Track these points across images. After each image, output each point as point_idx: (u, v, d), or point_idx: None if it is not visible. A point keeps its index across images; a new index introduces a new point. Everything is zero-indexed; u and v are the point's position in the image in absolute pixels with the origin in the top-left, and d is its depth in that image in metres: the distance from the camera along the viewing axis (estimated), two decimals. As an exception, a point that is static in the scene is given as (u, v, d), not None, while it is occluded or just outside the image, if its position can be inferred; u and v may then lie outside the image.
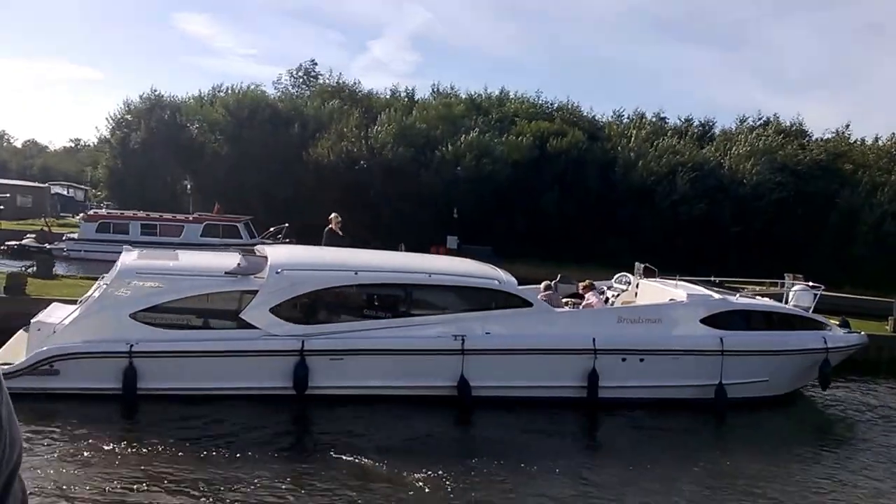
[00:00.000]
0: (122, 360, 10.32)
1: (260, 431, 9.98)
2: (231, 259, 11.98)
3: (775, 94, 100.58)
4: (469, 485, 8.51)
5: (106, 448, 8.84)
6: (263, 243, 33.66)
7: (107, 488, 7.71)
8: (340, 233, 15.23)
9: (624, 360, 12.07)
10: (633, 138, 50.68)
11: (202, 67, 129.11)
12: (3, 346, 11.20)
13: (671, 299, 13.07)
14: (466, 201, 41.26)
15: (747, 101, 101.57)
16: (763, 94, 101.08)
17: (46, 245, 29.64)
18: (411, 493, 8.20)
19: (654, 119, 57.60)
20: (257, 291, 11.08)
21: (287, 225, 35.12)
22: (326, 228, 15.44)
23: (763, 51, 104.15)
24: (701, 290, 13.71)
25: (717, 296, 13.34)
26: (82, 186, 67.01)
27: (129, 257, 11.72)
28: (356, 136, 42.39)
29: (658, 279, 14.63)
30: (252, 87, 51.46)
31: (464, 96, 52.68)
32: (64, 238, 31.66)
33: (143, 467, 8.35)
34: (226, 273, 11.18)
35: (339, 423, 10.60)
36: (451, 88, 55.64)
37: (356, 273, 11.67)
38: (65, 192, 65.31)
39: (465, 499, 8.16)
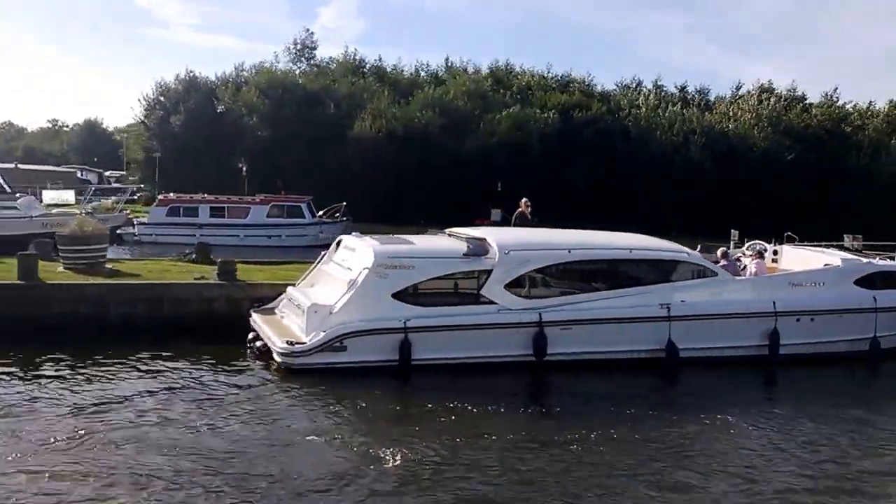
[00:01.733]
0: (398, 335, 11.58)
1: (507, 394, 11.21)
2: (449, 242, 13.26)
3: (734, 54, 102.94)
4: (680, 432, 9.82)
5: (390, 412, 10.20)
6: (323, 222, 35.01)
7: (395, 445, 8.80)
8: (530, 216, 16.42)
9: (798, 320, 13.58)
10: (644, 108, 52.38)
11: (147, 38, 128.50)
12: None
13: (826, 264, 14.59)
14: (506, 174, 42.44)
15: (708, 62, 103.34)
16: (725, 55, 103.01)
17: (131, 230, 30.32)
18: (638, 436, 9.50)
19: (653, 88, 59.51)
20: (491, 271, 12.36)
21: (344, 204, 36.19)
22: (517, 211, 16.66)
23: (720, 13, 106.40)
24: (845, 254, 15.26)
25: (864, 260, 14.90)
26: (95, 169, 67.08)
27: (361, 242, 12.88)
28: (392, 114, 43.28)
29: (796, 245, 16.19)
30: (272, 65, 52.20)
31: (485, 71, 53.59)
32: (136, 223, 32.36)
33: (419, 427, 9.57)
34: (463, 255, 12.42)
35: (574, 384, 11.95)
36: (462, 62, 56.28)
37: (569, 251, 13.03)
38: (80, 175, 65.45)
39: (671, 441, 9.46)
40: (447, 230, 14.92)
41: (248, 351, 12.85)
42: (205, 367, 11.95)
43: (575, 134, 47.67)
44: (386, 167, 41.18)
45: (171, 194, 33.63)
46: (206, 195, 34.34)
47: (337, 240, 14.19)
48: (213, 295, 14.31)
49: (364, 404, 10.48)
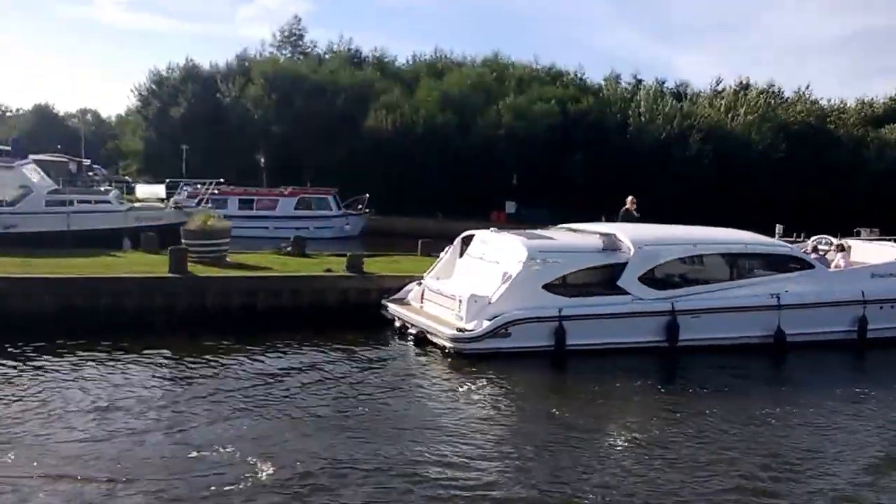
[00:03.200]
0: (554, 322, 12.73)
1: (646, 375, 12.44)
2: (583, 237, 14.45)
3: (658, 43, 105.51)
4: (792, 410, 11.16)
5: (547, 391, 11.42)
6: (349, 214, 35.85)
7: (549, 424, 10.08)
8: (636, 213, 17.60)
9: (881, 307, 15.09)
10: (640, 102, 54.09)
11: (70, 17, 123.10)
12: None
13: (897, 257, 16.16)
14: (515, 167, 43.64)
15: (631, 50, 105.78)
16: (650, 43, 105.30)
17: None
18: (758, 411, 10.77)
19: (632, 80, 61.48)
20: (626, 264, 13.58)
21: (367, 196, 37.11)
22: (623, 209, 17.81)
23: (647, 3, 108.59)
24: None
25: (928, 252, 16.54)
26: (75, 158, 66.27)
27: (506, 238, 13.99)
28: (406, 107, 44.11)
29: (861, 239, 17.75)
30: (271, 54, 52.40)
31: (478, 62, 54.48)
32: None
33: (579, 406, 10.74)
34: (602, 249, 13.62)
35: (703, 367, 13.24)
36: (451, 53, 57.12)
37: (694, 245, 14.36)
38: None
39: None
40: (566, 226, 16.02)
41: (396, 336, 13.92)
42: (366, 353, 12.93)
43: (572, 127, 49.13)
44: (399, 160, 42.04)
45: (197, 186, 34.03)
46: (234, 187, 34.92)
47: (464, 235, 15.22)
48: (347, 286, 15.24)
49: (539, 383, 11.71)
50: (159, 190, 24.10)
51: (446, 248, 15.54)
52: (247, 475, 7.36)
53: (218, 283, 14.30)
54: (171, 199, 22.17)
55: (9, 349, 11.52)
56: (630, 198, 18.20)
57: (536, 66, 57.58)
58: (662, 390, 11.71)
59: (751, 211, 41.12)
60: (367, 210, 36.92)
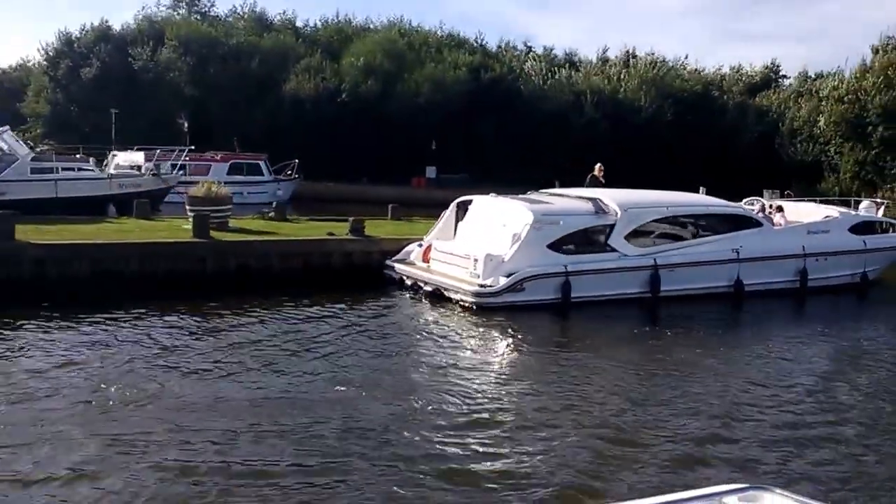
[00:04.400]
0: (561, 278, 14.18)
1: (634, 321, 14.13)
2: (574, 201, 15.91)
3: (526, 9, 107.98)
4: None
5: (556, 338, 12.96)
6: (280, 179, 36.09)
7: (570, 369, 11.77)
8: (602, 179, 19.06)
9: (817, 260, 17.37)
10: (534, 70, 56.34)
11: None
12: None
13: (826, 216, 18.51)
14: (429, 132, 44.67)
15: (499, 15, 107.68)
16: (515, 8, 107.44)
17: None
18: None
19: (523, 47, 63.83)
20: (614, 225, 15.17)
21: (297, 161, 37.39)
22: (590, 175, 19.19)
23: None
24: (835, 208, 19.30)
25: (852, 212, 18.98)
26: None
27: (509, 203, 15.29)
28: (324, 72, 44.28)
29: (791, 200, 20.08)
30: (181, 14, 50.99)
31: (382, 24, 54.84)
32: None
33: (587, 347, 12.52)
34: (594, 212, 15.14)
35: (682, 312, 15.05)
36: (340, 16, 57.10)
37: (667, 208, 16.10)
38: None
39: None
40: (549, 191, 17.42)
41: (408, 293, 15.05)
42: (384, 309, 14.03)
43: (482, 94, 50.62)
44: (321, 126, 42.30)
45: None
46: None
47: (459, 201, 16.39)
48: (352, 249, 16.16)
49: (552, 330, 13.29)
50: (138, 157, 23.87)
51: (443, 213, 16.64)
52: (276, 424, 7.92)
53: (239, 247, 14.94)
54: (144, 167, 22.11)
55: (53, 314, 11.85)
56: (598, 165, 19.74)
57: (441, 33, 58.68)
58: (647, 333, 13.46)
59: (648, 173, 43.85)
60: (297, 175, 37.20)
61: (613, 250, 15.12)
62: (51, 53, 46.56)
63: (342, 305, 13.81)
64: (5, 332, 10.95)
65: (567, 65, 60.35)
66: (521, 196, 16.26)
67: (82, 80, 44.84)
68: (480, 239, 15.02)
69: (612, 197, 15.78)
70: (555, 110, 51.33)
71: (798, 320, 16.05)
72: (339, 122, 42.73)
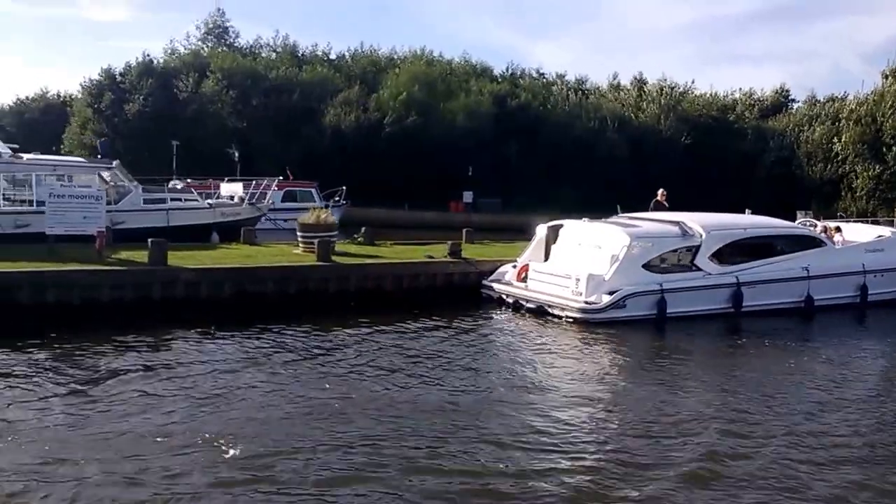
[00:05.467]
0: (657, 295, 15.25)
1: (724, 334, 15.25)
2: (659, 224, 16.99)
3: (514, 33, 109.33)
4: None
5: (660, 350, 13.92)
6: (329, 206, 37.21)
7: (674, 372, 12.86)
8: (666, 203, 20.16)
9: (875, 276, 18.45)
10: (559, 97, 57.76)
11: None
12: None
13: (879, 236, 19.62)
14: (466, 158, 45.94)
15: (490, 39, 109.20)
16: (506, 32, 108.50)
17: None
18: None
19: (535, 74, 65.37)
20: (699, 246, 16.28)
21: (344, 188, 38.56)
22: (654, 200, 20.28)
23: None
24: (887, 228, 20.43)
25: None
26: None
27: (602, 226, 16.41)
28: (364, 103, 45.61)
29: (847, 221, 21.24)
30: (198, 46, 52.42)
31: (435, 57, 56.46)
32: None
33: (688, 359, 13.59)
34: (682, 234, 16.25)
35: (763, 326, 16.10)
36: (365, 47, 58.64)
37: (745, 230, 17.23)
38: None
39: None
40: (624, 215, 18.51)
41: (510, 310, 16.10)
42: (490, 325, 15.12)
43: (509, 120, 51.98)
44: (361, 154, 43.52)
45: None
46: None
47: (549, 225, 17.49)
48: (454, 270, 17.25)
49: (653, 343, 14.32)
50: (238, 188, 25.05)
51: (534, 236, 17.73)
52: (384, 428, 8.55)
53: (357, 270, 16.01)
54: (237, 197, 23.23)
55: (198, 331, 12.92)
56: (661, 190, 20.85)
57: (462, 62, 60.23)
58: (739, 346, 14.51)
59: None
60: (345, 201, 38.32)
61: (699, 269, 16.21)
62: (94, 88, 47.81)
63: (452, 322, 14.80)
64: (174, 345, 12.03)
65: (579, 90, 62.05)
66: (611, 220, 17.36)
67: (126, 114, 46.08)
68: (578, 260, 16.09)
69: (696, 220, 16.89)
70: (579, 135, 52.69)
71: (864, 333, 17.04)
72: (378, 151, 43.97)
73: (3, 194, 18.45)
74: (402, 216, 40.51)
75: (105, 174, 19.41)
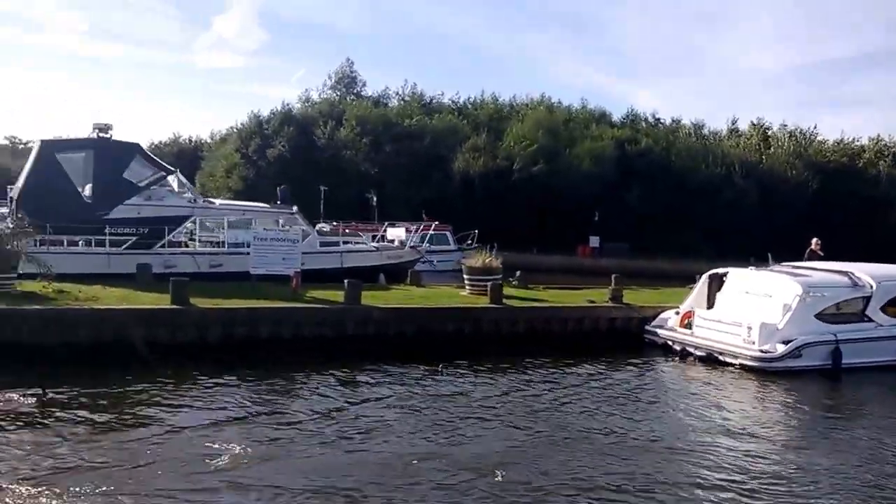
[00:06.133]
0: (832, 345, 15.14)
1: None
2: (828, 275, 16.87)
3: (615, 77, 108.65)
4: None
5: (832, 400, 13.78)
6: (462, 248, 38.13)
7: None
8: (821, 253, 19.97)
9: None
10: (680, 142, 57.31)
11: (25, 44, 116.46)
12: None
13: None
14: (592, 203, 46.28)
15: (590, 84, 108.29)
16: (605, 78, 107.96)
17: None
18: None
19: (649, 118, 64.95)
20: (870, 297, 16.06)
21: (476, 231, 39.46)
22: (808, 249, 20.10)
23: (601, 35, 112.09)
24: None
25: None
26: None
27: (771, 275, 16.42)
28: (492, 149, 46.76)
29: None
30: (354, 99, 55.08)
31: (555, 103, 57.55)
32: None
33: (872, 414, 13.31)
34: (852, 285, 16.09)
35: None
36: (486, 95, 60.04)
37: (915, 282, 16.90)
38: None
39: None
40: (787, 264, 18.43)
41: (676, 357, 16.26)
42: (658, 371, 15.29)
43: (631, 166, 52.05)
44: (489, 199, 44.50)
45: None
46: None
47: (711, 273, 17.61)
48: (616, 315, 17.59)
49: (832, 394, 14.18)
50: (401, 233, 26.45)
51: (696, 284, 17.89)
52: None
53: (527, 313, 16.60)
54: (397, 240, 24.48)
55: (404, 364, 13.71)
56: (815, 240, 20.58)
57: (586, 108, 60.88)
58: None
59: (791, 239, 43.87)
60: (478, 245, 39.17)
61: (871, 320, 16.00)
62: (243, 134, 50.98)
63: (621, 365, 15.16)
64: (383, 378, 12.86)
65: (698, 135, 61.50)
66: (777, 269, 17.36)
67: (269, 159, 48.76)
68: (747, 308, 16.13)
69: (865, 271, 16.70)
70: (703, 180, 52.12)
71: None
72: (505, 196, 44.81)
73: (199, 237, 20.03)
74: (530, 260, 40.92)
75: (284, 219, 20.82)
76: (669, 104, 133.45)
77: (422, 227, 27.95)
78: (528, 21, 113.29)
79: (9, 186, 24.93)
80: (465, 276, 18.52)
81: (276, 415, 10.45)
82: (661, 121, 64.81)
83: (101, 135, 19.09)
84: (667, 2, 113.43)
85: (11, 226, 15.69)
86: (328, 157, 48.88)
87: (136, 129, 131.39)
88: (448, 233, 38.17)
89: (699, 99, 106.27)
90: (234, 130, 51.28)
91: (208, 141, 70.14)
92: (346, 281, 15.28)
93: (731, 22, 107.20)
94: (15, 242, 14.29)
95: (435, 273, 32.00)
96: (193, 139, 73.01)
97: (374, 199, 41.23)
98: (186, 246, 20.44)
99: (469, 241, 39.80)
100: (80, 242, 19.08)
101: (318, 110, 52.65)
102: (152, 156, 20.86)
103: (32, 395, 10.37)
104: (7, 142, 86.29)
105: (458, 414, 10.94)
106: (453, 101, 57.58)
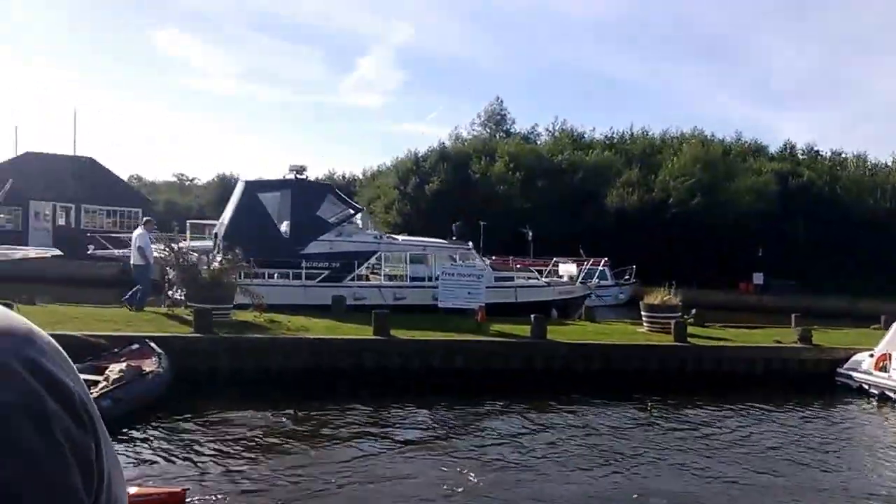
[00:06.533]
0: None
1: None
2: None
3: (760, 106, 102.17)
4: None
5: None
6: (620, 283, 37.77)
7: None
8: None
9: None
10: (844, 174, 54.40)
11: (183, 86, 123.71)
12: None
13: None
14: (752, 238, 44.71)
15: (737, 115, 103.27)
16: (750, 107, 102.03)
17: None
18: None
19: (806, 149, 61.64)
20: None
21: (634, 267, 39.02)
22: None
23: (746, 63, 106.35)
24: None
25: None
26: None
27: None
28: (646, 184, 46.28)
29: None
30: (503, 136, 56.11)
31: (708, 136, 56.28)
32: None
33: None
34: None
35: None
36: (634, 129, 59.17)
37: None
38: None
39: None
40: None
41: (872, 399, 15.54)
42: (856, 414, 14.65)
43: (792, 200, 49.86)
44: (644, 233, 43.88)
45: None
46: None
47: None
48: (805, 357, 17.02)
49: None
50: (573, 268, 26.99)
51: (893, 324, 17.06)
52: None
53: (713, 352, 16.38)
54: (565, 275, 24.86)
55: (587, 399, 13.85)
56: None
57: (741, 141, 59.03)
58: None
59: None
60: (635, 280, 38.79)
61: None
62: (401, 171, 52.97)
63: (816, 409, 14.69)
64: (582, 411, 13.08)
65: (862, 167, 58.13)
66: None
67: (426, 194, 50.27)
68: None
69: None
70: (873, 214, 49.24)
71: None
72: (661, 231, 44.05)
73: (384, 271, 21.08)
74: (692, 296, 39.97)
75: (461, 254, 21.56)
76: (823, 135, 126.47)
77: (591, 262, 28.04)
78: (670, 52, 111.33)
79: (188, 221, 27.20)
80: (643, 313, 18.51)
81: (510, 443, 10.98)
82: (821, 153, 61.80)
83: (297, 176, 20.56)
84: (816, 29, 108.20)
85: (220, 259, 17.15)
86: (482, 193, 49.83)
87: (282, 164, 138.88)
88: (605, 268, 37.96)
89: (856, 129, 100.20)
90: (389, 167, 53.35)
91: (360, 177, 73.14)
92: (532, 316, 15.69)
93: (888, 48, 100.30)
94: (233, 275, 15.62)
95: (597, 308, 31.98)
96: (346, 175, 76.30)
97: (530, 233, 41.65)
98: (368, 279, 21.53)
99: (626, 277, 39.46)
100: (275, 275, 20.52)
101: (471, 147, 53.97)
102: (342, 195, 22.16)
103: (285, 416, 11.37)
104: (175, 179, 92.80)
105: (657, 449, 11.03)
106: (607, 137, 57.43)
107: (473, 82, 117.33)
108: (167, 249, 15.76)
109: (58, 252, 24.65)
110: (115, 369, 10.86)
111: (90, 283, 30.10)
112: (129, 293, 16.27)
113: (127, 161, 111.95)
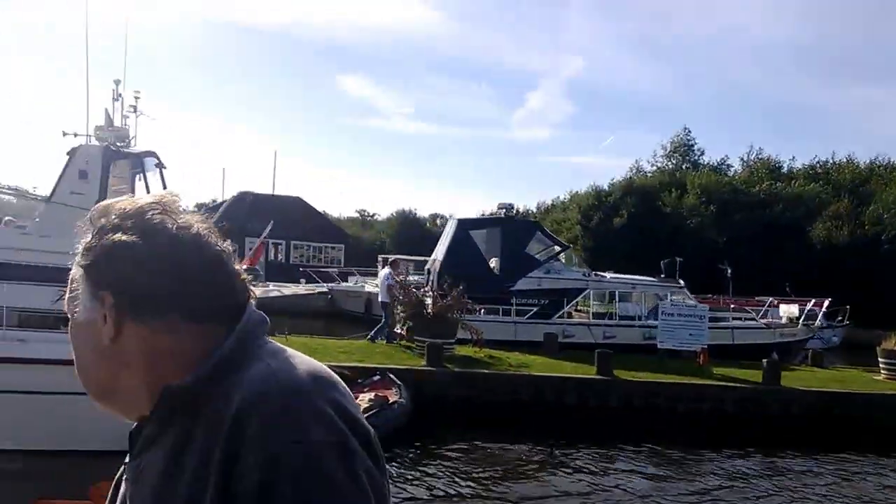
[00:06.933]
0: None
1: None
2: None
3: None
4: None
5: None
6: (834, 325, 35.00)
7: None
8: None
9: None
10: None
11: (362, 127, 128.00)
12: None
13: None
14: None
15: None
16: None
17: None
18: None
19: None
20: None
21: (848, 307, 36.15)
22: None
23: None
24: None
25: None
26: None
27: None
28: (854, 216, 43.10)
29: None
30: (689, 167, 54.30)
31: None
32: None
33: None
34: None
35: None
36: (838, 157, 54.78)
37: None
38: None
39: None
40: None
41: None
42: None
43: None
44: (856, 272, 40.72)
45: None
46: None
47: None
48: None
49: None
50: (794, 309, 25.82)
51: None
52: None
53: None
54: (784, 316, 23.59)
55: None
56: None
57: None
58: None
59: None
60: (848, 322, 35.95)
61: None
62: (584, 206, 52.55)
63: None
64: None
65: None
66: None
67: (613, 229, 49.40)
68: None
69: None
70: None
71: None
72: (875, 268, 40.69)
73: (591, 309, 20.93)
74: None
75: (672, 292, 21.00)
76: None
77: (813, 302, 26.36)
78: (861, 74, 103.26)
79: (380, 256, 28.12)
80: (881, 360, 17.11)
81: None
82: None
83: (506, 213, 20.94)
84: None
85: (435, 294, 17.65)
86: (672, 227, 48.38)
87: (460, 201, 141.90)
88: (817, 308, 35.44)
89: None
90: (563, 201, 52.83)
91: (533, 210, 73.08)
92: (764, 361, 14.95)
93: None
94: (457, 312, 16.07)
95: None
96: (521, 210, 76.45)
97: (729, 270, 39.67)
98: (571, 316, 21.41)
99: (839, 318, 36.55)
100: (481, 311, 20.87)
101: (657, 180, 52.63)
102: (549, 232, 22.31)
103: (542, 451, 11.62)
104: (357, 214, 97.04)
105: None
106: (809, 167, 54.09)
107: (647, 113, 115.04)
108: (399, 285, 16.53)
109: (324, 289, 26.33)
110: (364, 398, 11.45)
111: (301, 314, 32.06)
112: (375, 330, 17.15)
113: (314, 198, 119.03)
